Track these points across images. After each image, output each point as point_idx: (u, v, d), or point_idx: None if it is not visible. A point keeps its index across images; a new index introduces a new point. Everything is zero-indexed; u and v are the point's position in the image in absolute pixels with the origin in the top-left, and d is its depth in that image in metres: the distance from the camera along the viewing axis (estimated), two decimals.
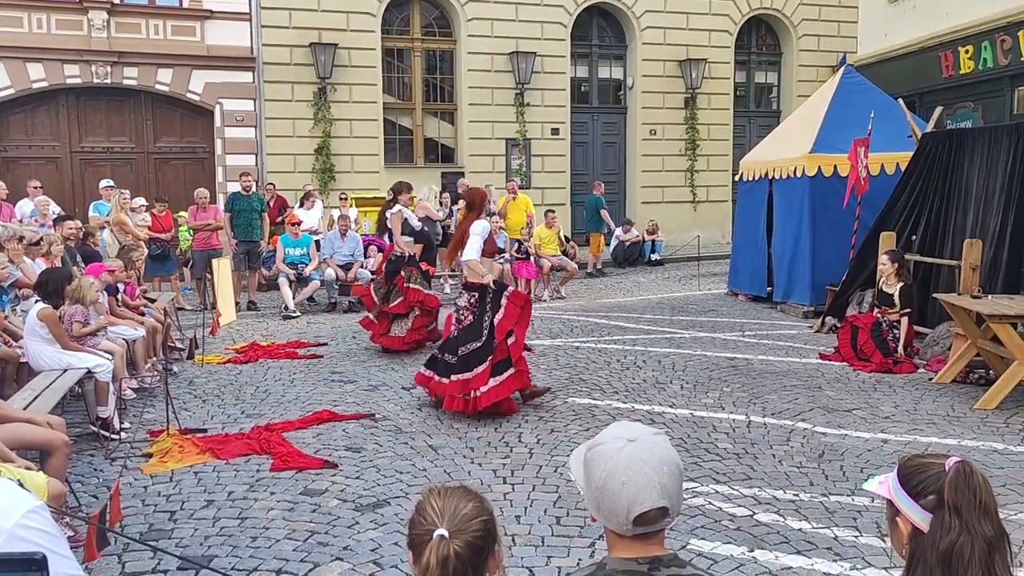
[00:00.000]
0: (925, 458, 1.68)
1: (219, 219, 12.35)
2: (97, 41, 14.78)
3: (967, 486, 1.57)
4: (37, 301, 6.39)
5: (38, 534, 1.25)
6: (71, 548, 1.42)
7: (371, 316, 9.33)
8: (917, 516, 1.61)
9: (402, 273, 9.06)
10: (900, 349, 8.31)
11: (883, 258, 8.74)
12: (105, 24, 14.79)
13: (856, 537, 4.35)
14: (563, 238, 14.20)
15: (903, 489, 1.65)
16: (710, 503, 4.81)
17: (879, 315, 8.56)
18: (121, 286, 8.28)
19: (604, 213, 16.12)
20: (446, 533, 1.61)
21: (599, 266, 16.11)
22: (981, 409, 6.70)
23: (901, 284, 8.56)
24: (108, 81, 15.01)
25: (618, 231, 17.23)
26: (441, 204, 14.75)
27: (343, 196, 14.03)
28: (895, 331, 8.41)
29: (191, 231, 12.59)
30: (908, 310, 8.47)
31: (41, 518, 1.27)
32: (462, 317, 6.78)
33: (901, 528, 1.66)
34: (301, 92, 16.24)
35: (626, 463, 1.63)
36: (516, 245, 13.25)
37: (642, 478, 1.62)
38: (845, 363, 8.34)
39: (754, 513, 4.68)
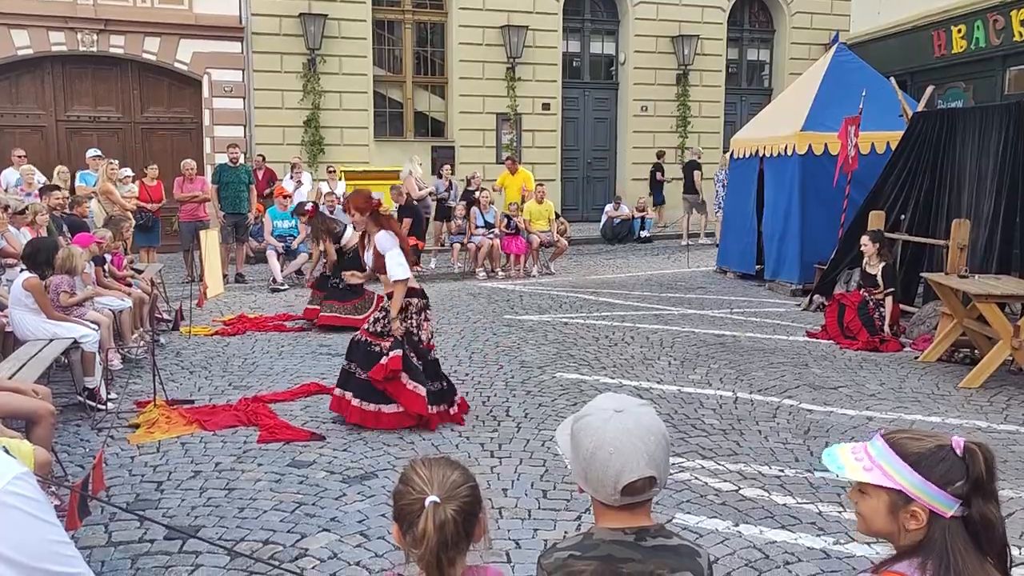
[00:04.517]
0: (924, 441, 1.63)
1: (206, 191, 12.26)
2: (83, 8, 14.54)
3: (991, 464, 1.60)
4: (23, 270, 6.34)
5: (24, 500, 1.23)
6: (57, 517, 1.41)
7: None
8: (943, 504, 1.58)
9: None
10: (886, 327, 8.36)
11: (864, 239, 8.80)
12: None
13: (840, 512, 4.39)
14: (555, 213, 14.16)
15: (928, 480, 1.59)
16: (696, 478, 4.85)
17: (866, 294, 8.61)
18: (108, 257, 8.23)
19: None
20: (438, 499, 1.62)
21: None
22: (965, 388, 6.76)
23: (883, 264, 8.62)
24: (94, 49, 14.79)
25: (608, 208, 17.22)
26: (441, 176, 14.69)
27: (331, 169, 13.92)
28: (881, 310, 8.47)
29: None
30: (892, 289, 8.51)
31: (28, 484, 1.26)
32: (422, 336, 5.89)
33: (919, 515, 1.60)
34: (290, 63, 16.06)
35: (614, 433, 1.64)
36: (506, 220, 13.23)
37: (629, 447, 1.63)
38: (832, 341, 8.39)
39: (739, 488, 4.72)
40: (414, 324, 5.80)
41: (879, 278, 8.58)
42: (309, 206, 10.26)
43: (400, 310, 5.68)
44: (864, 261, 8.83)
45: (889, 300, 8.50)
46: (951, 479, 1.59)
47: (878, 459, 1.64)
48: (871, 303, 8.51)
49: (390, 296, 5.79)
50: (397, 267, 5.61)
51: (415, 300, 5.84)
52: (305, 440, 5.49)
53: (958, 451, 1.60)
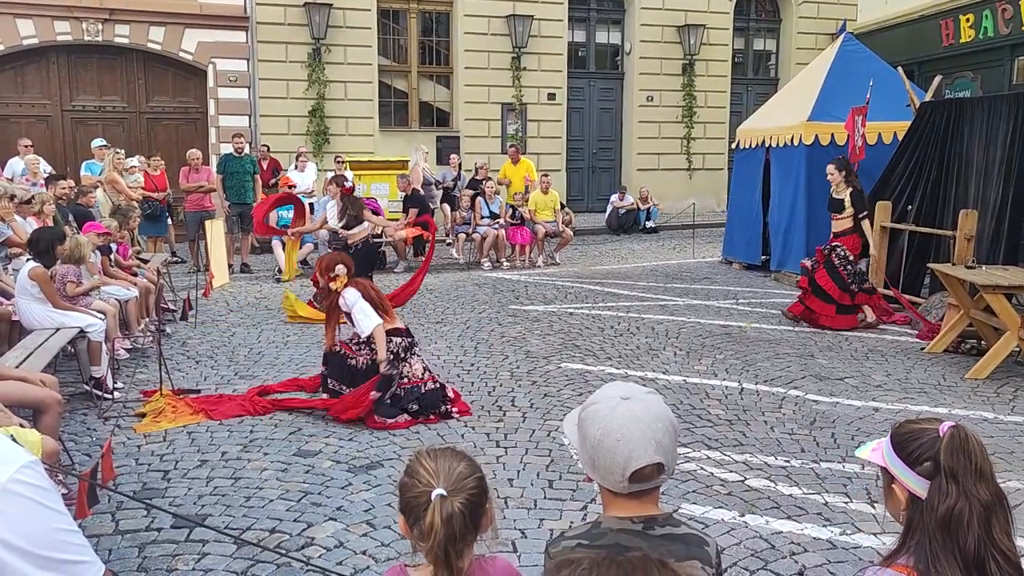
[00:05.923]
0: (918, 424, 1.68)
1: (211, 181, 12.26)
2: None
3: (962, 451, 1.57)
4: (29, 260, 6.35)
5: (32, 489, 1.23)
6: (65, 506, 1.41)
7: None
8: (914, 483, 1.61)
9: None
10: (858, 267, 8.67)
11: (830, 167, 8.98)
12: None
13: (846, 503, 4.39)
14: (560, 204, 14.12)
15: (898, 457, 1.64)
16: (702, 468, 4.85)
17: (825, 249, 8.81)
18: (114, 246, 8.24)
19: None
20: (444, 492, 1.61)
21: None
22: (972, 379, 6.74)
23: (851, 189, 8.82)
24: (100, 39, 14.78)
25: (613, 198, 17.18)
26: (449, 164, 14.82)
27: (339, 159, 13.90)
28: (837, 260, 8.67)
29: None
30: (864, 213, 8.75)
31: (36, 473, 1.26)
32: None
33: (898, 495, 1.66)
34: (295, 53, 16.03)
35: (621, 420, 1.64)
36: (511, 211, 13.21)
37: (637, 434, 1.62)
38: (825, 327, 8.47)
39: (745, 479, 4.72)
40: (396, 367, 5.81)
41: (846, 202, 8.77)
42: (348, 183, 10.16)
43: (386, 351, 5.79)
44: (832, 189, 8.98)
45: (865, 224, 8.76)
46: (920, 458, 1.60)
47: (883, 441, 1.72)
48: (835, 261, 8.65)
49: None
50: (363, 319, 5.87)
51: (397, 339, 5.90)
52: (320, 407, 5.77)
53: (940, 434, 1.60)
